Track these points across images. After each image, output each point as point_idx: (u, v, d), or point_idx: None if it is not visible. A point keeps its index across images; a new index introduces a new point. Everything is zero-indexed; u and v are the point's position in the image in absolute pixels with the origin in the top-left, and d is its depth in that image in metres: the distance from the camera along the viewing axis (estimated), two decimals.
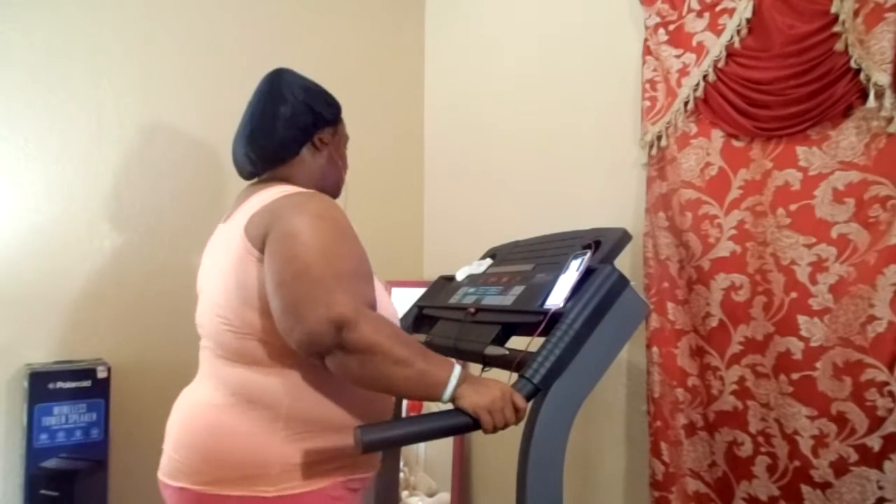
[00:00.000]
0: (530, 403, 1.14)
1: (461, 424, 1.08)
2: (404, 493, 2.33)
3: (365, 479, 1.25)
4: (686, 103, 1.70)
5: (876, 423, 1.36)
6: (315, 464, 1.15)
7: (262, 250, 1.13)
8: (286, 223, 1.12)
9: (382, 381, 1.08)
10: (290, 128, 1.28)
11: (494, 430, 1.08)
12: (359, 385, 1.11)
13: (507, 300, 1.36)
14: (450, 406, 1.10)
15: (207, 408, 1.18)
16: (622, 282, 1.19)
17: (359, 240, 1.18)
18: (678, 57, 1.73)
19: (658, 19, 1.78)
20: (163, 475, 1.21)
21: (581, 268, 1.22)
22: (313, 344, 1.05)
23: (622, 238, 1.30)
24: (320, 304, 1.04)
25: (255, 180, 1.33)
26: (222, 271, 1.19)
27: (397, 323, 1.28)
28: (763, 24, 1.56)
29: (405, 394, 1.13)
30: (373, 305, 1.14)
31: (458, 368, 1.09)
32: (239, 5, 2.30)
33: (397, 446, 1.70)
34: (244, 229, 1.16)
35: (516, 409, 1.09)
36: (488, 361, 1.29)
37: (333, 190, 1.37)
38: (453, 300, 1.58)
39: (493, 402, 1.06)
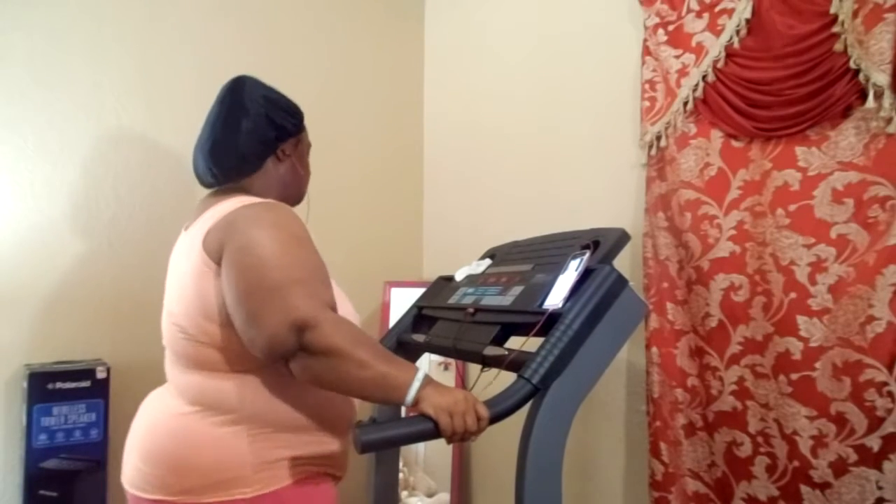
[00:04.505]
0: (529, 403, 1.14)
1: (427, 429, 1.06)
2: (404, 494, 2.33)
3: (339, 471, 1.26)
4: (685, 104, 1.70)
5: (875, 423, 1.36)
6: (287, 459, 1.15)
7: (218, 263, 1.14)
8: (241, 235, 1.12)
9: (343, 383, 1.07)
10: (253, 142, 1.27)
11: (454, 434, 1.05)
12: (322, 387, 1.11)
13: (506, 300, 1.36)
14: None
15: (171, 417, 1.19)
16: (621, 282, 1.19)
17: (315, 247, 1.18)
18: (677, 57, 1.73)
19: (657, 20, 1.78)
20: (132, 487, 1.19)
21: (580, 268, 1.23)
22: (276, 348, 1.06)
23: (621, 238, 1.30)
24: (279, 310, 1.05)
25: (215, 189, 1.32)
26: (180, 280, 1.21)
27: (357, 324, 1.29)
28: (762, 25, 1.56)
29: (367, 396, 1.10)
30: (333, 307, 1.13)
31: (421, 372, 1.07)
32: (239, 7, 2.29)
33: (396, 446, 1.70)
34: (202, 242, 1.17)
35: (479, 419, 1.06)
36: (487, 362, 1.29)
37: (296, 198, 1.37)
38: (452, 300, 1.58)
39: (455, 405, 1.05)
